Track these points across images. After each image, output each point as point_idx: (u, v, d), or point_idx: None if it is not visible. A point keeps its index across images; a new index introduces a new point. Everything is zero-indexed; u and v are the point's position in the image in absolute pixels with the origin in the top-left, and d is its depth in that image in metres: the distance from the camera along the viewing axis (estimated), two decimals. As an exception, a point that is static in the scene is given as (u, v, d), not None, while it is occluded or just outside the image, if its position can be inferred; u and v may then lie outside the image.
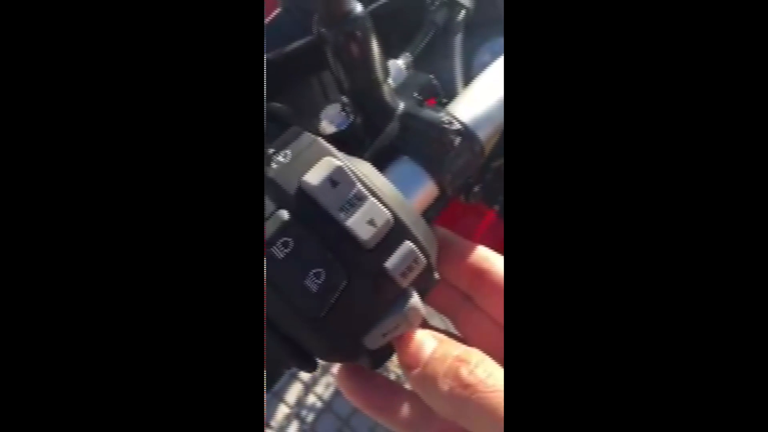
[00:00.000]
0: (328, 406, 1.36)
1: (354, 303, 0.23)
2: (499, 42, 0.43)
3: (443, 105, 0.32)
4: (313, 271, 0.23)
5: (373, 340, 0.25)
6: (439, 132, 0.27)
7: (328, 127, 0.29)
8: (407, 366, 0.25)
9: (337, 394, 1.37)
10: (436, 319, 0.32)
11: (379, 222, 0.23)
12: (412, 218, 0.25)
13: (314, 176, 0.23)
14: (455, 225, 0.36)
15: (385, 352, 0.27)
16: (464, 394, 0.22)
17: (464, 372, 0.23)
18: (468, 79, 0.37)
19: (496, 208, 0.50)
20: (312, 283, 0.22)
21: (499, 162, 0.36)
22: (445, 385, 0.23)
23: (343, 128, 0.29)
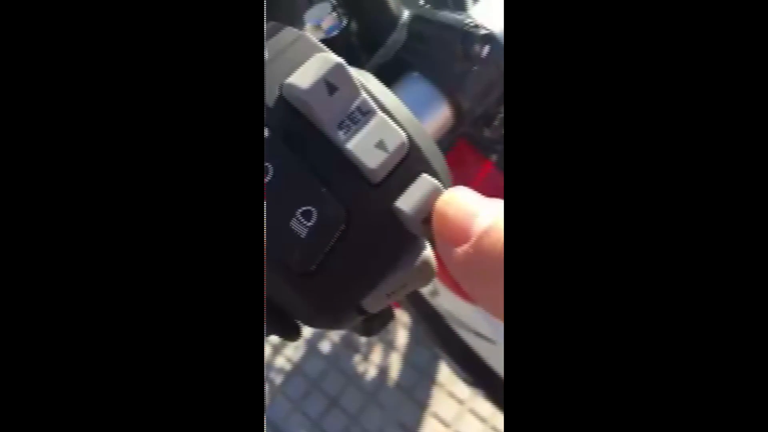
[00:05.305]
0: (298, 367, 1.32)
1: (354, 253, 0.18)
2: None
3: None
4: (301, 209, 0.17)
5: (376, 302, 0.19)
6: (461, 37, 0.21)
7: (314, 32, 0.23)
8: (452, 240, 0.16)
9: (306, 355, 1.33)
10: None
11: (392, 145, 0.17)
12: (429, 146, 0.19)
13: (303, 77, 0.16)
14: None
15: (386, 316, 0.21)
16: None
17: None
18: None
19: (494, 158, 0.45)
20: (300, 226, 0.17)
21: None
22: None
23: (334, 34, 0.22)
